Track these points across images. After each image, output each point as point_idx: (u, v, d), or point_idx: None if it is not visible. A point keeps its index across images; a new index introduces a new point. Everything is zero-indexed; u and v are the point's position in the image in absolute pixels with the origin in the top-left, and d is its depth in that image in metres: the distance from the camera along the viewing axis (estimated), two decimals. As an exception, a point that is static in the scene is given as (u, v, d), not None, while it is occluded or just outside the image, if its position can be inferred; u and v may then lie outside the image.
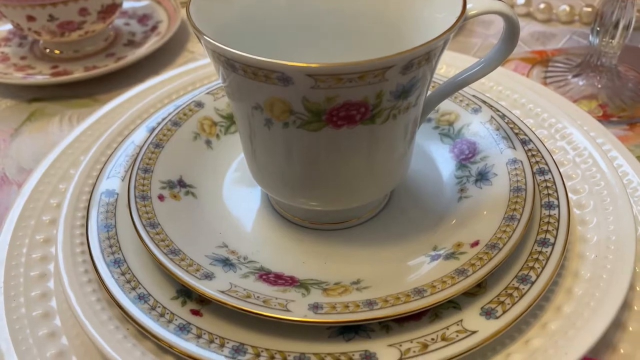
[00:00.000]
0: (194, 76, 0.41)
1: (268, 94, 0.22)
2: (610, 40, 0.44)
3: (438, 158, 0.33)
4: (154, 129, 0.33)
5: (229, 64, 0.22)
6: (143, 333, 0.24)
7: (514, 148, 0.31)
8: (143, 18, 0.58)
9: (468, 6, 0.24)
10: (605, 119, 0.44)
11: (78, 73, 0.50)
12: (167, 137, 0.33)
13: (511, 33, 0.26)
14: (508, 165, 0.30)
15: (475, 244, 0.26)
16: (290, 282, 0.26)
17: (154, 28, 0.56)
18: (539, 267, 0.26)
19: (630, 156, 0.35)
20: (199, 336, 0.24)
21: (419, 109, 0.26)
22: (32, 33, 0.50)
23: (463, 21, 0.24)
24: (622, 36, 0.43)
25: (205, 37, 0.22)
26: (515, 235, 0.26)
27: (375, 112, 0.23)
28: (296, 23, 0.29)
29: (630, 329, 0.26)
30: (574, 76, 0.48)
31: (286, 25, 0.29)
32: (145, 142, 0.32)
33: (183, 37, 0.56)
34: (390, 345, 0.23)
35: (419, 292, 0.24)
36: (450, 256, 0.26)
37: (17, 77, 0.49)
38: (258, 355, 0.23)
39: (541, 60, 0.51)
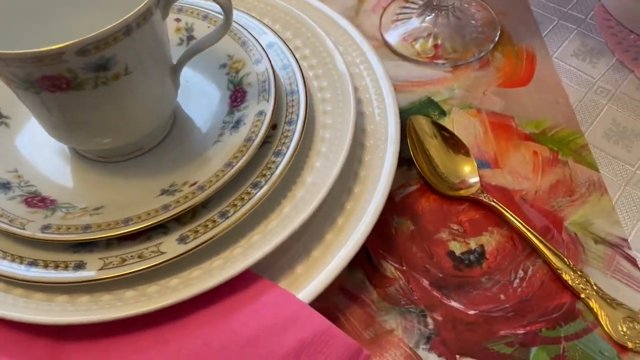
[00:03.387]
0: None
1: (-4, 67, 0.28)
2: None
3: (219, 102, 0.39)
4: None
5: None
6: None
7: (267, 101, 0.36)
8: None
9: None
10: (433, 60, 0.48)
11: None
12: (-5, 73, 0.39)
13: (226, 16, 0.31)
14: (256, 116, 0.36)
15: (194, 184, 0.33)
16: (49, 204, 0.33)
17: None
18: (235, 208, 0.32)
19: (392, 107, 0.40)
20: (-31, 241, 0.32)
21: (154, 70, 0.32)
22: None
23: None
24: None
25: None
26: (221, 180, 0.32)
27: (78, 82, 0.29)
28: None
29: (314, 254, 0.34)
30: (418, 15, 0.51)
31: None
32: (-25, 77, 0.39)
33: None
34: (100, 258, 0.31)
35: (127, 221, 0.31)
36: (172, 192, 0.33)
37: None
38: (4, 258, 0.31)
39: (403, -5, 0.54)
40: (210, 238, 0.31)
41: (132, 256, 0.31)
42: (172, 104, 0.36)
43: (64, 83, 0.29)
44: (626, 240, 0.37)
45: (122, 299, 0.30)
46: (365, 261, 0.37)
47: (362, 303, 0.35)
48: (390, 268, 0.36)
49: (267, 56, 0.38)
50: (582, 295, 0.34)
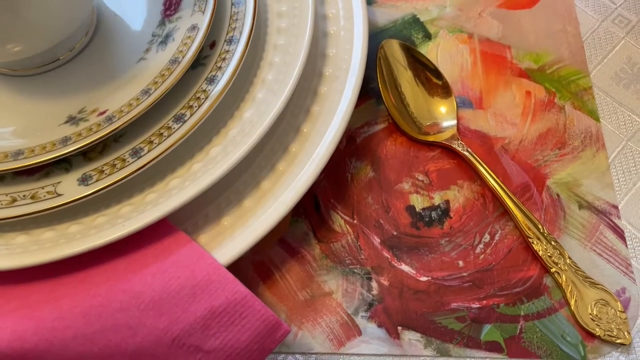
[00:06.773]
0: None
1: None
2: None
3: (153, 8, 0.32)
4: None
5: None
6: None
7: (202, 12, 0.30)
8: None
9: None
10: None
11: None
12: None
13: None
14: (187, 31, 0.29)
15: (103, 112, 0.28)
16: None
17: None
18: (150, 146, 0.27)
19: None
20: None
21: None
22: None
23: None
24: None
25: None
26: (133, 112, 0.27)
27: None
28: None
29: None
30: None
31: None
32: None
33: None
34: (-12, 196, 0.27)
35: (17, 154, 0.26)
36: (77, 121, 0.28)
37: None
38: None
39: None
40: (115, 182, 0.26)
41: (24, 196, 0.26)
42: (83, 9, 0.29)
43: None
44: (616, 208, 0.32)
45: (11, 246, 0.26)
46: (313, 210, 0.32)
47: (301, 259, 0.31)
48: (340, 220, 0.32)
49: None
50: (553, 270, 0.30)
